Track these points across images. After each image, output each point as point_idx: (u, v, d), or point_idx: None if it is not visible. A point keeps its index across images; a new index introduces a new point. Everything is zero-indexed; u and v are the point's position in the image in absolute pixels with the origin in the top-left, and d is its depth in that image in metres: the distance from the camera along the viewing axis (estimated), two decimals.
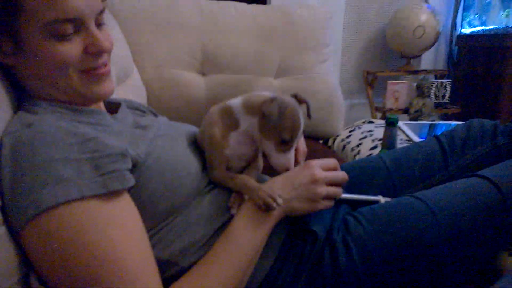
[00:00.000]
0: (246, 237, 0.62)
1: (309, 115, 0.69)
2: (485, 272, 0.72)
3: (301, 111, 0.67)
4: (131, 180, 0.58)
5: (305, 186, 0.66)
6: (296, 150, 0.73)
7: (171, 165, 0.65)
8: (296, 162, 0.73)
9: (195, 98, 1.50)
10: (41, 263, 0.53)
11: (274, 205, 0.61)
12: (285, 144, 0.65)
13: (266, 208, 0.61)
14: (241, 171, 0.73)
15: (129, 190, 0.60)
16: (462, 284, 0.69)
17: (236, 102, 0.69)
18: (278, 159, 0.66)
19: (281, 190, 0.65)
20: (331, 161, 0.71)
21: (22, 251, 0.54)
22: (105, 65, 0.66)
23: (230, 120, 0.68)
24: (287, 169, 0.66)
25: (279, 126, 0.63)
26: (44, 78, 0.62)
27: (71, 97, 0.65)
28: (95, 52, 0.62)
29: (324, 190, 0.67)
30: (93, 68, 0.64)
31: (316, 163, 0.68)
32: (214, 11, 1.54)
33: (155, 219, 0.63)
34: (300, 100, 0.69)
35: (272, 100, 0.63)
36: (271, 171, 0.76)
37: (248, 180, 0.65)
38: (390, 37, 2.44)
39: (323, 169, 0.68)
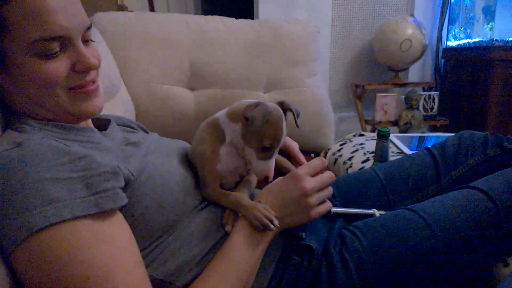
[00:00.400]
0: (243, 255, 0.61)
1: (296, 124, 0.68)
2: (481, 284, 0.73)
3: (284, 119, 0.65)
4: (123, 199, 0.58)
5: (297, 201, 0.65)
6: (297, 162, 0.75)
7: (164, 182, 0.64)
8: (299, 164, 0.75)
9: (184, 113, 1.50)
10: (34, 285, 0.51)
11: (271, 226, 0.60)
12: (266, 152, 0.64)
13: (263, 229, 0.61)
14: (235, 186, 0.72)
15: (122, 209, 0.59)
16: None
17: (221, 112, 0.69)
18: (258, 166, 0.65)
19: (274, 209, 0.64)
20: (317, 162, 0.68)
21: (13, 274, 0.52)
22: (93, 81, 0.65)
23: (217, 133, 0.68)
24: (266, 177, 0.65)
25: (261, 132, 0.62)
26: (31, 97, 0.61)
27: (59, 116, 0.64)
28: (82, 70, 0.62)
29: (315, 199, 0.66)
30: (81, 85, 0.63)
31: (304, 171, 0.66)
32: (202, 26, 1.55)
33: (148, 238, 0.62)
34: (286, 108, 0.67)
35: (256, 105, 0.62)
36: (262, 184, 0.76)
37: (242, 198, 0.65)
38: (378, 50, 2.49)
39: (311, 175, 0.67)
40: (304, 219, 0.66)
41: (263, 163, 0.65)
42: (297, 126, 0.67)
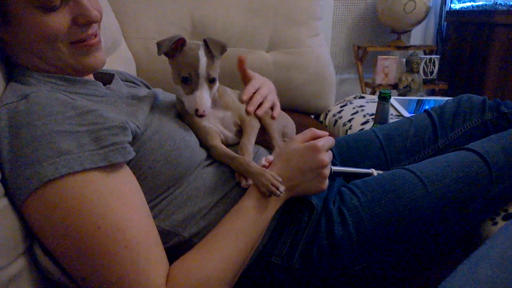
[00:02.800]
0: (254, 217, 0.62)
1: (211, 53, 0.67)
2: (470, 239, 0.76)
3: (202, 50, 0.66)
4: (131, 153, 0.58)
5: (314, 171, 0.66)
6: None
7: (170, 136, 0.65)
8: (272, 118, 0.76)
9: None
10: (45, 234, 0.53)
11: (278, 192, 0.61)
12: (189, 84, 0.66)
13: (269, 195, 0.62)
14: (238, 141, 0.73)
15: (129, 162, 0.60)
16: (449, 249, 0.73)
17: None
18: (188, 102, 0.67)
19: (290, 173, 0.66)
20: (331, 141, 0.71)
21: (25, 222, 0.54)
22: (95, 35, 0.64)
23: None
24: (196, 110, 0.66)
25: (178, 64, 0.66)
26: (33, 50, 0.61)
27: (62, 70, 0.64)
28: (84, 23, 0.61)
29: (328, 170, 0.69)
30: (82, 39, 0.62)
31: (322, 144, 0.68)
32: None
33: (156, 191, 0.63)
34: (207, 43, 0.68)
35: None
36: (264, 142, 0.77)
37: (249, 163, 0.65)
38: (381, 11, 2.43)
39: (326, 149, 0.69)
40: (317, 188, 0.68)
41: (191, 97, 0.67)
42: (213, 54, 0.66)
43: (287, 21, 1.56)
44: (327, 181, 0.68)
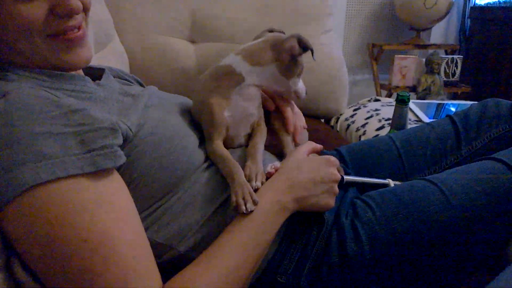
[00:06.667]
0: (257, 230, 0.62)
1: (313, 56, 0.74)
2: (497, 259, 0.75)
3: None
4: (122, 157, 0.57)
5: (327, 184, 0.67)
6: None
7: (166, 139, 0.65)
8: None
9: (184, 68, 1.48)
10: (24, 247, 0.52)
11: (243, 208, 0.60)
12: (299, 75, 0.76)
13: (234, 207, 0.61)
14: (246, 144, 0.74)
15: (119, 168, 0.59)
16: (472, 270, 0.72)
17: (233, 59, 0.71)
18: (301, 87, 0.78)
19: (301, 182, 0.66)
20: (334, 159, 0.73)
21: (2, 233, 0.53)
22: (79, 28, 0.63)
23: (231, 80, 0.70)
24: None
25: (298, 60, 0.72)
26: (9, 43, 0.60)
27: (40, 66, 0.62)
28: (63, 13, 0.59)
29: (337, 189, 0.70)
30: (62, 31, 0.60)
31: (336, 160, 0.71)
32: None
33: (148, 199, 0.63)
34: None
35: (294, 36, 0.71)
36: (273, 148, 0.77)
37: (236, 171, 0.65)
38: (399, 6, 2.43)
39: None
40: (326, 204, 0.68)
41: (300, 82, 0.77)
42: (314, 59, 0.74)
43: (296, 17, 1.56)
44: (334, 199, 0.69)
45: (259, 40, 0.73)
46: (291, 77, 0.73)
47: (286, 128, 0.77)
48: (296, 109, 0.84)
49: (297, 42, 0.70)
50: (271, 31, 0.77)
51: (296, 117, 0.80)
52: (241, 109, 0.71)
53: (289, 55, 0.70)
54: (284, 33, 0.76)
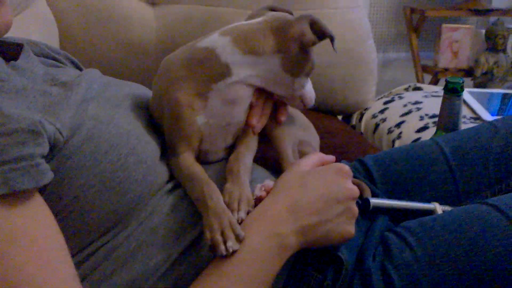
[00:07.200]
0: (246, 277, 0.62)
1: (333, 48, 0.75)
2: None
3: None
4: (46, 173, 0.58)
5: (342, 203, 0.67)
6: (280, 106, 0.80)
7: (112, 147, 0.65)
8: (278, 122, 0.79)
9: (140, 40, 1.49)
10: None
11: (221, 250, 0.60)
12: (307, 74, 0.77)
13: (209, 248, 0.62)
14: (226, 157, 0.74)
15: (44, 189, 0.59)
16: None
17: (219, 41, 0.71)
18: (310, 92, 0.79)
19: (308, 204, 0.66)
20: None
21: None
22: None
23: (209, 70, 0.70)
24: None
25: (309, 53, 0.73)
26: None
27: None
28: None
29: (356, 207, 0.70)
30: None
31: (349, 170, 0.71)
32: None
33: (85, 236, 0.63)
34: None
35: (305, 18, 0.71)
36: (266, 160, 0.78)
37: (210, 192, 0.65)
38: None
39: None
40: (343, 233, 0.68)
41: (309, 84, 0.78)
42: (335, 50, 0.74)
43: None
44: (353, 225, 0.69)
45: (257, 20, 0.73)
46: (297, 76, 0.74)
47: (248, 122, 0.76)
48: None
49: (309, 26, 0.70)
50: (273, 9, 0.77)
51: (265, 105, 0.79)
52: (221, 116, 0.71)
53: (298, 44, 0.70)
54: (291, 13, 0.76)
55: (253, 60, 0.70)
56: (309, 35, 0.70)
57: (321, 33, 0.70)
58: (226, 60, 0.69)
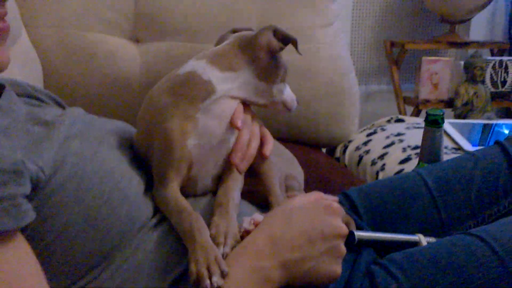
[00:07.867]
0: None
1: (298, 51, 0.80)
2: None
3: None
4: (29, 214, 0.58)
5: (329, 241, 0.67)
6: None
7: (95, 183, 0.65)
8: (263, 157, 0.80)
9: (124, 76, 1.49)
10: None
11: (206, 283, 0.60)
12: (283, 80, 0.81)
13: (193, 283, 0.61)
14: (215, 188, 0.74)
15: (25, 229, 0.59)
16: None
17: (197, 64, 0.75)
18: (288, 96, 0.82)
19: (290, 240, 0.66)
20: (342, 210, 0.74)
21: None
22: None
23: (194, 90, 0.73)
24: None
25: (278, 59, 0.78)
26: None
27: None
28: None
29: (344, 248, 0.70)
30: None
31: (339, 207, 0.71)
32: None
33: (70, 275, 0.63)
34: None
35: (267, 28, 0.76)
36: (253, 195, 0.78)
37: (199, 227, 0.65)
38: None
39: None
40: (329, 272, 0.67)
41: (287, 89, 0.82)
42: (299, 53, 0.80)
43: (281, 4, 1.58)
44: (340, 264, 0.68)
45: (225, 42, 0.79)
46: (273, 82, 0.78)
47: (231, 159, 0.76)
48: (263, 130, 0.83)
49: (273, 35, 0.75)
50: (235, 31, 0.82)
51: (253, 137, 0.79)
52: (211, 133, 0.72)
53: (267, 52, 0.75)
54: (253, 30, 0.82)
55: (230, 75, 0.74)
56: (275, 42, 0.75)
57: (285, 39, 0.76)
58: (208, 77, 0.73)
